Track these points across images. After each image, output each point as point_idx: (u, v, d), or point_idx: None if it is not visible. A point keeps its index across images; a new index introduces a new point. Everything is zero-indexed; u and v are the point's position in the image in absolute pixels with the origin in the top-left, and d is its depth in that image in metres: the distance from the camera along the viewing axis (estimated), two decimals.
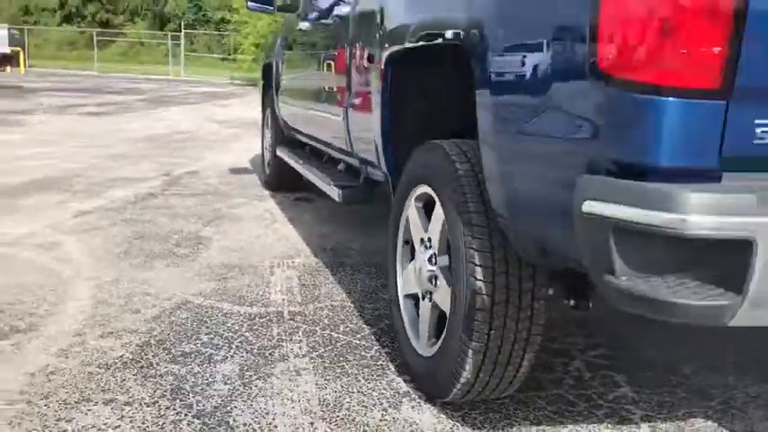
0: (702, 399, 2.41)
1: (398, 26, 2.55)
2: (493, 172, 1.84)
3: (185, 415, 2.12)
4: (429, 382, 2.29)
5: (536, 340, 2.04)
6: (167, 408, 2.16)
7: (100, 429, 2.02)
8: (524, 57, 1.68)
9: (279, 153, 5.16)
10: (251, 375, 2.41)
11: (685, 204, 1.28)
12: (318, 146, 4.26)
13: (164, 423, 2.07)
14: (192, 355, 2.54)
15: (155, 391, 2.26)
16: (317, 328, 2.86)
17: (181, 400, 2.21)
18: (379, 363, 2.57)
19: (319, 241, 4.23)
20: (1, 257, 3.63)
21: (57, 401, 2.17)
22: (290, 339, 2.73)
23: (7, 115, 10.90)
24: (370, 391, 2.34)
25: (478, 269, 1.93)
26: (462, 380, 2.07)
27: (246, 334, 2.76)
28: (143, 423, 2.06)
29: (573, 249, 1.53)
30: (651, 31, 1.32)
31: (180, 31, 37.62)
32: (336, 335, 2.80)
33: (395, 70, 2.59)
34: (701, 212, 1.27)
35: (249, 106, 13.91)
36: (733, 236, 1.27)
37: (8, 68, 17.20)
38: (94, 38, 38.27)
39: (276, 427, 2.08)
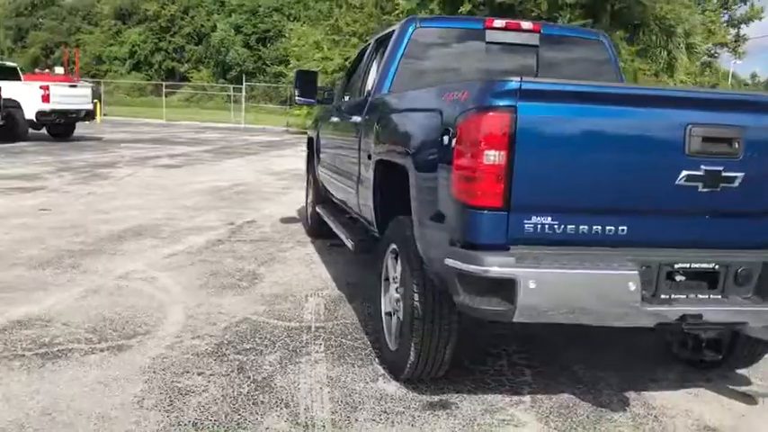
0: (575, 383, 3.75)
1: (383, 142, 4.02)
2: (417, 237, 3.28)
3: (245, 380, 3.57)
4: (394, 366, 3.69)
5: (453, 339, 3.43)
6: (235, 378, 3.61)
7: (196, 387, 3.47)
8: (426, 182, 3.13)
9: (318, 209, 6.66)
10: (286, 362, 3.84)
11: (486, 262, 2.69)
12: (343, 206, 5.73)
13: (232, 385, 3.52)
14: (250, 350, 4.00)
15: (227, 369, 3.72)
16: (332, 336, 4.29)
17: (243, 374, 3.66)
18: (369, 358, 3.98)
19: (344, 278, 5.67)
20: (118, 287, 5.17)
21: (170, 372, 3.64)
22: (314, 343, 4.17)
23: (96, 168, 12.75)
24: (359, 373, 3.75)
25: (415, 295, 3.35)
26: (410, 363, 3.47)
27: (285, 339, 4.21)
28: (221, 385, 3.51)
29: (445, 282, 2.94)
30: (472, 183, 2.74)
31: (241, 81, 40.00)
32: (344, 341, 4.23)
33: (380, 168, 4.05)
34: (492, 266, 2.68)
35: (299, 157, 15.57)
36: (507, 276, 2.68)
37: (87, 120, 19.40)
38: (163, 89, 40.93)
39: (299, 388, 3.51)
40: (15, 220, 7.46)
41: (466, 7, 22.95)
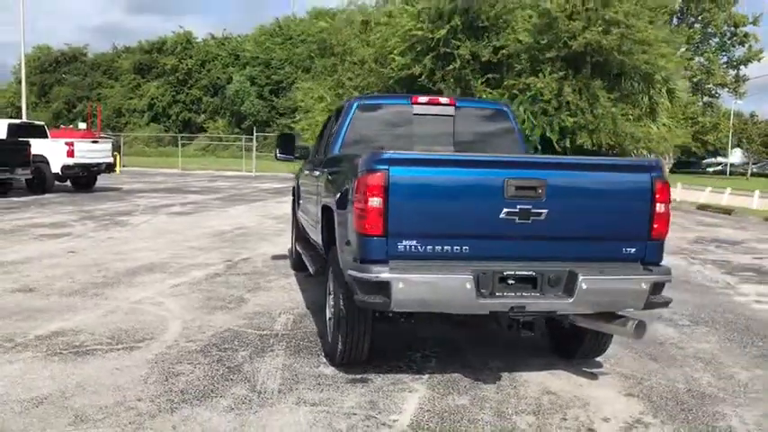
0: (467, 368, 5.07)
1: (326, 190, 5.43)
2: (339, 258, 4.66)
3: (221, 367, 4.93)
4: (331, 356, 5.04)
5: (369, 333, 4.76)
6: (214, 365, 4.97)
7: (185, 371, 4.83)
8: (342, 219, 4.52)
9: (297, 246, 8.05)
10: (254, 356, 5.20)
11: (372, 271, 4.08)
12: (313, 242, 7.12)
13: (211, 370, 4.87)
14: (229, 349, 5.36)
15: (209, 360, 5.08)
16: (293, 340, 5.64)
17: (221, 363, 5.02)
18: (317, 353, 5.32)
19: (312, 300, 7.03)
20: (132, 308, 6.56)
21: (167, 363, 5.00)
22: (278, 344, 5.53)
23: (115, 216, 14.29)
24: (307, 362, 5.10)
25: (341, 301, 4.71)
26: (338, 352, 4.82)
27: (257, 342, 5.57)
28: (203, 370, 4.87)
29: (352, 287, 4.31)
30: (363, 219, 4.12)
31: (252, 131, 41.95)
32: (302, 343, 5.58)
33: (324, 210, 5.45)
34: (375, 273, 4.07)
35: None
36: (384, 280, 4.05)
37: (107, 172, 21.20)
38: (179, 140, 42.91)
39: (260, 371, 4.86)
40: (47, 261, 8.92)
41: (455, 64, 24.62)
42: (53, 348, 5.28)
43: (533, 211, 4.20)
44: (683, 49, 56.39)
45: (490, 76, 25.72)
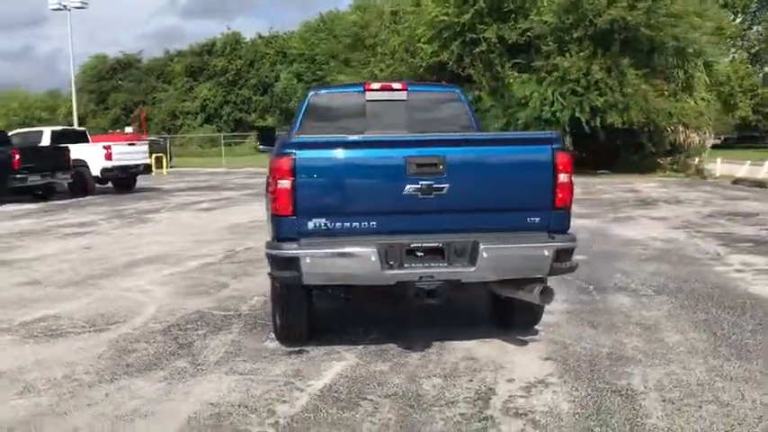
0: (403, 340, 5.34)
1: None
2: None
3: (174, 344, 5.33)
4: (275, 332, 5.38)
5: (304, 309, 5.08)
6: (168, 343, 5.37)
7: (139, 348, 5.25)
8: (267, 202, 4.85)
9: None
10: (209, 334, 5.59)
11: (282, 248, 4.40)
12: None
13: (164, 347, 5.28)
14: (189, 328, 5.77)
15: (166, 339, 5.49)
16: (253, 319, 6.01)
17: (175, 341, 5.42)
18: (269, 330, 5.67)
19: None
20: (119, 296, 7.04)
21: (127, 341, 5.43)
22: (237, 323, 5.91)
23: (143, 214, 14.99)
24: (255, 338, 5.46)
25: (275, 281, 5.05)
26: (278, 327, 5.17)
27: (218, 321, 5.96)
28: (156, 347, 5.28)
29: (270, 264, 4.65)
30: (276, 201, 4.43)
31: None
32: (259, 321, 5.94)
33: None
34: (286, 250, 4.39)
35: None
36: (293, 255, 4.37)
37: (154, 171, 22.20)
38: (221, 139, 43.99)
39: (207, 347, 5.24)
40: (63, 256, 9.54)
41: (482, 47, 24.69)
42: (31, 332, 5.78)
43: (435, 186, 4.44)
44: (737, 20, 54.61)
45: (518, 60, 25.85)
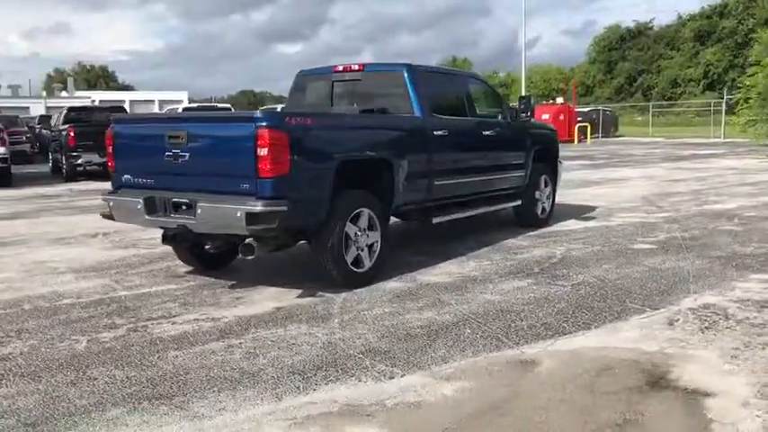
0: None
1: None
2: None
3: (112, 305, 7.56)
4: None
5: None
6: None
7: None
8: None
9: None
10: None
11: (103, 195, 6.28)
12: None
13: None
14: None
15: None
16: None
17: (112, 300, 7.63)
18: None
19: None
20: None
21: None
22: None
23: None
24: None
25: None
26: None
27: None
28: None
29: None
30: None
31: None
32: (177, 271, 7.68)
33: None
34: (104, 196, 6.25)
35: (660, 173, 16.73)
36: (107, 199, 6.20)
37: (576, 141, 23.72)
38: (650, 109, 41.94)
39: (170, 300, 7.31)
40: None
41: None
42: None
43: (180, 154, 5.69)
44: None
45: None
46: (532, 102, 8.82)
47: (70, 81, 69.70)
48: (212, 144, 5.68)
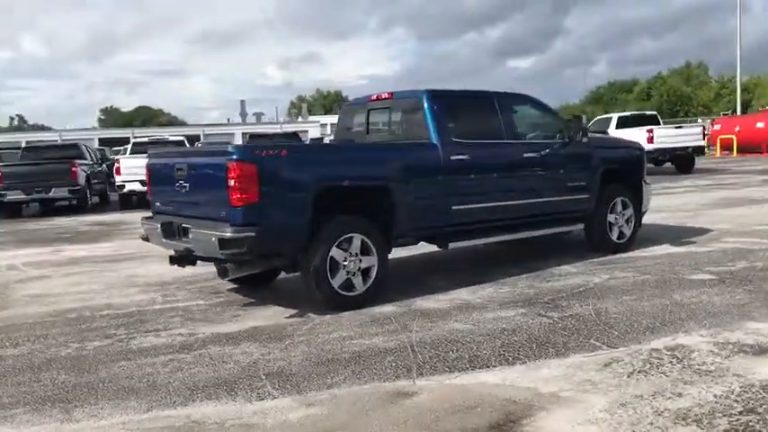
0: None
1: None
2: None
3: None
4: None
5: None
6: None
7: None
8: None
9: None
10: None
11: (145, 220, 7.16)
12: None
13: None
14: None
15: None
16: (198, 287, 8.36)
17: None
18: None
19: None
20: None
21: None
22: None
23: None
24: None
25: None
26: None
27: None
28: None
29: None
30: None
31: None
32: (221, 288, 8.26)
33: None
34: (143, 220, 7.11)
35: None
36: (142, 224, 7.05)
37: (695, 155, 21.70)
38: None
39: (179, 315, 8.10)
40: None
41: None
42: None
43: (183, 184, 6.36)
44: None
45: None
46: (584, 121, 8.39)
47: (304, 107, 76.09)
48: (202, 175, 6.28)
